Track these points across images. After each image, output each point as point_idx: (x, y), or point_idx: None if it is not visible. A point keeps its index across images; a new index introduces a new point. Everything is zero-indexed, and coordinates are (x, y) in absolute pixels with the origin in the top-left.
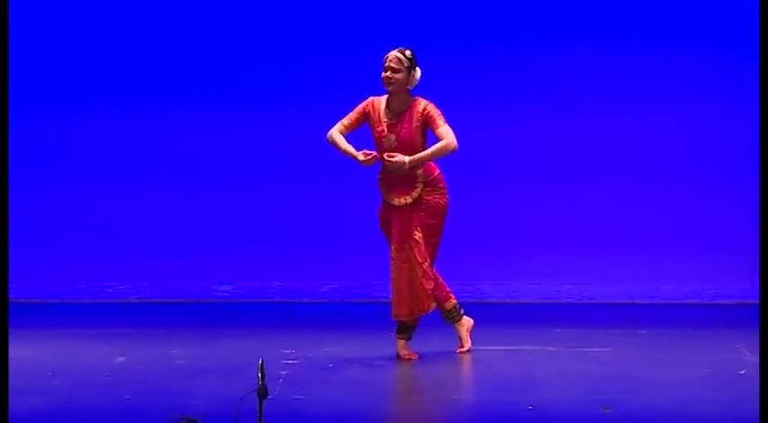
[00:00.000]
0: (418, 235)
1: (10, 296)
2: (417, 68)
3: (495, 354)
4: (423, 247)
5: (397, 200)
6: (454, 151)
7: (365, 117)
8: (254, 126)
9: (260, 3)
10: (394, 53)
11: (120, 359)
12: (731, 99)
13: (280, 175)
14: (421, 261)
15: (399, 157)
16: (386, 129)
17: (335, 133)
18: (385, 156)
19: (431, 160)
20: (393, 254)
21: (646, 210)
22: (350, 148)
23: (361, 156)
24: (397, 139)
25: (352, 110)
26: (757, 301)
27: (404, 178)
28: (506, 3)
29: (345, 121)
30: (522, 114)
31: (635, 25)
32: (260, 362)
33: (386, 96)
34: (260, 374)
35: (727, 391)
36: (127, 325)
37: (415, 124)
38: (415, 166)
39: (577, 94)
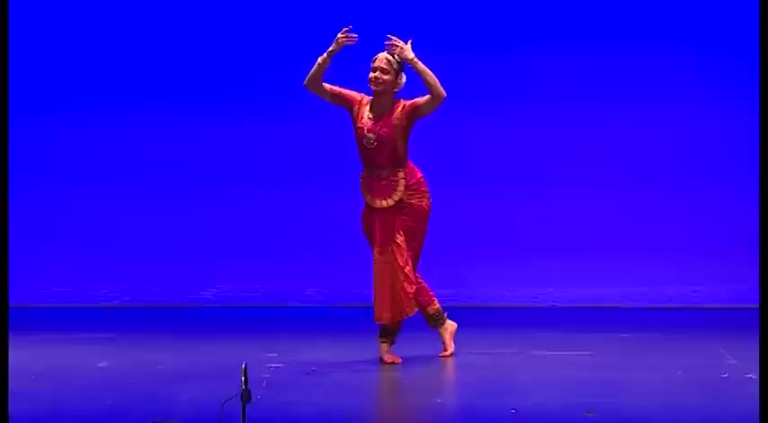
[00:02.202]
0: (400, 238)
1: None
2: (403, 74)
3: (478, 358)
4: (405, 251)
5: (378, 202)
6: (443, 98)
7: (349, 102)
8: (238, 130)
9: (254, 8)
10: (383, 54)
11: (103, 363)
12: (727, 101)
13: (262, 180)
14: (403, 265)
15: (407, 45)
16: (366, 127)
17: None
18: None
19: (426, 76)
20: (375, 257)
21: (630, 213)
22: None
23: (336, 42)
24: (376, 139)
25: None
26: (740, 306)
27: (385, 181)
28: (504, 4)
29: (335, 85)
30: (511, 118)
31: (633, 29)
32: (243, 366)
33: (371, 97)
34: (243, 378)
35: (710, 395)
36: (110, 329)
37: (395, 122)
38: (414, 63)
39: (569, 97)
